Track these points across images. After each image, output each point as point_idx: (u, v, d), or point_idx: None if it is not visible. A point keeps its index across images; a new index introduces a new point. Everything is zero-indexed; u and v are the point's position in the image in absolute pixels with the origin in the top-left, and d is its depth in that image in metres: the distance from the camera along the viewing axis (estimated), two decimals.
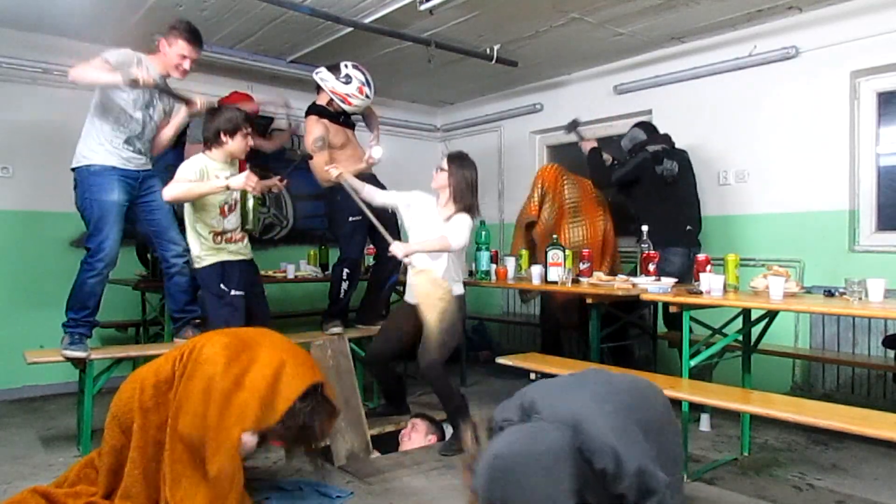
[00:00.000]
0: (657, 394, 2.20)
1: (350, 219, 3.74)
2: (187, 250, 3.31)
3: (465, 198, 3.32)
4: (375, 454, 3.28)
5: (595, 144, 4.40)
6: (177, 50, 3.22)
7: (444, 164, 3.37)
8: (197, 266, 3.22)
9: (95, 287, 3.19)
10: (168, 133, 3.43)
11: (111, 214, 3.16)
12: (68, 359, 3.16)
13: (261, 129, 5.38)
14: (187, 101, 3.34)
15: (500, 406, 2.06)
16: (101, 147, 3.17)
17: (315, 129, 3.77)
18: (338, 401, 3.16)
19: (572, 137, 4.67)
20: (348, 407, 3.25)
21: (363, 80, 3.80)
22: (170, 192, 3.03)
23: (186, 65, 3.27)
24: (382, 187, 3.80)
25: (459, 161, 3.38)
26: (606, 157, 4.36)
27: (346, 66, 3.79)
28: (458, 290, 3.38)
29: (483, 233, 4.02)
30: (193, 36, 3.26)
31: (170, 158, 3.64)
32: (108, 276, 3.24)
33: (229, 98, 4.66)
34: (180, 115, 3.41)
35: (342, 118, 3.90)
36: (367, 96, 3.80)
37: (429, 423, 3.48)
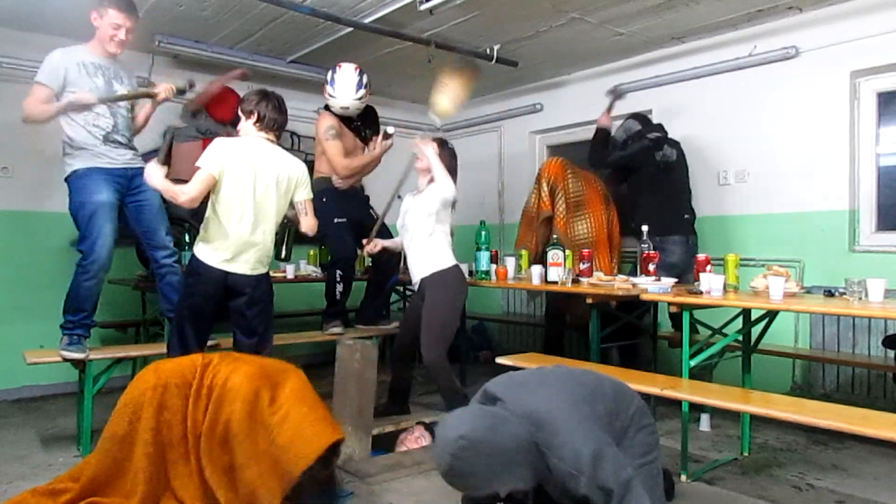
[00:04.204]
0: (627, 392, 2.20)
1: (335, 220, 3.75)
2: (175, 250, 3.34)
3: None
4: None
5: (609, 125, 4.41)
6: (109, 20, 3.07)
7: (437, 148, 3.46)
8: (265, 272, 3.03)
9: (92, 289, 3.16)
10: (139, 121, 3.40)
11: (100, 215, 3.11)
12: (67, 360, 3.16)
13: None
14: (150, 95, 3.30)
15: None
16: (82, 151, 3.13)
17: (326, 120, 3.82)
18: (352, 408, 3.18)
19: (573, 136, 4.68)
20: (361, 416, 3.23)
21: (328, 78, 3.81)
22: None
23: (122, 34, 3.11)
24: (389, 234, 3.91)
25: (451, 152, 3.55)
26: (613, 138, 4.37)
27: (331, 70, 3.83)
28: (453, 261, 3.43)
29: (483, 233, 4.02)
30: (124, 2, 3.10)
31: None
32: (104, 278, 3.20)
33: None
34: (147, 107, 3.38)
35: (353, 125, 3.92)
36: (329, 95, 3.80)
37: (432, 437, 3.46)
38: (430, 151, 3.36)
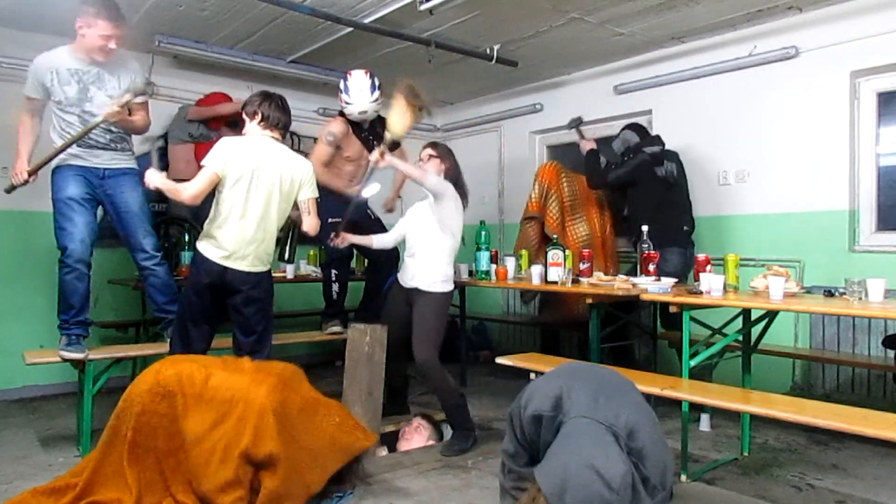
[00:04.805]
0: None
1: (329, 220, 3.75)
2: (157, 251, 3.34)
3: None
4: (383, 451, 3.29)
5: (594, 146, 4.41)
6: (97, 31, 3.03)
7: (433, 151, 3.44)
8: (266, 270, 3.03)
9: (74, 284, 3.14)
10: (134, 126, 3.30)
11: (69, 209, 3.12)
12: (66, 360, 3.15)
13: None
14: (93, 127, 3.16)
15: (531, 393, 2.00)
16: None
17: (334, 125, 3.83)
18: (362, 389, 3.23)
19: (573, 136, 4.68)
20: (370, 398, 3.25)
21: (341, 87, 3.81)
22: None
23: (112, 44, 3.08)
24: (379, 223, 3.93)
25: (446, 149, 3.51)
26: (603, 159, 4.37)
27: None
28: (449, 287, 3.40)
29: (483, 233, 4.02)
30: (113, 12, 3.04)
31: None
32: (86, 272, 3.18)
33: (208, 99, 4.65)
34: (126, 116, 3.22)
35: (364, 135, 3.92)
36: (346, 103, 3.80)
37: (432, 426, 3.48)
38: (389, 157, 3.26)
